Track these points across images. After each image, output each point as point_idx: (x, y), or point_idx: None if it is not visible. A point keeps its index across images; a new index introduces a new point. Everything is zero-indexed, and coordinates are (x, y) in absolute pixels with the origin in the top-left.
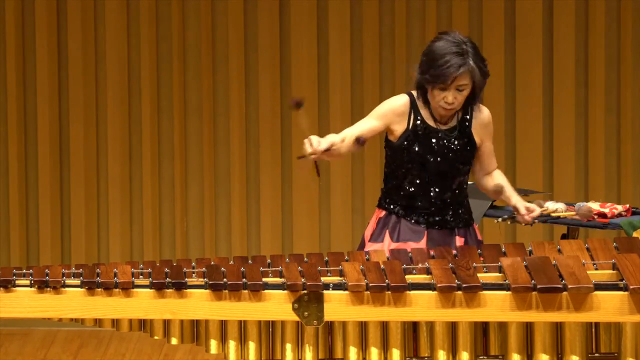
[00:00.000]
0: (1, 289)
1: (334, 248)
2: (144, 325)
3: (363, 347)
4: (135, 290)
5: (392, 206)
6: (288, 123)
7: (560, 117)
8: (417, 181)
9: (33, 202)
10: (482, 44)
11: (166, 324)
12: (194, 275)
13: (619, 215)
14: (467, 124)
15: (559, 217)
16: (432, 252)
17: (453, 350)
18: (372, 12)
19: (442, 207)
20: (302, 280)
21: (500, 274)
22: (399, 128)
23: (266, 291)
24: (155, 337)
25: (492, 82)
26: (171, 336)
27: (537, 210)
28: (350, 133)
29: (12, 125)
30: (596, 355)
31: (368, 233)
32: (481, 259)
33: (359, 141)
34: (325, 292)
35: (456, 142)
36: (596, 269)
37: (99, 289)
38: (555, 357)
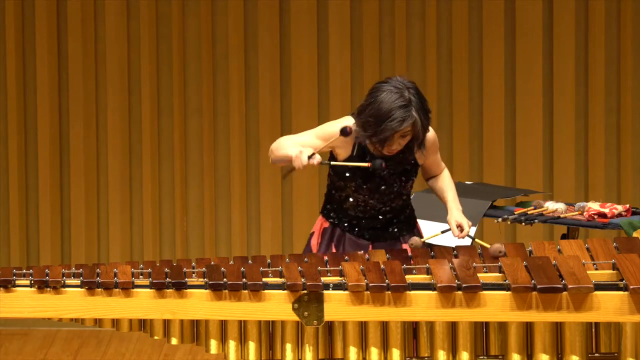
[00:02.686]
0: (1, 289)
1: None
2: (144, 325)
3: (363, 347)
4: (135, 290)
5: (336, 221)
6: (288, 123)
7: (560, 117)
8: (361, 201)
9: (33, 202)
10: (482, 44)
11: (166, 324)
12: (194, 275)
13: (619, 215)
14: (411, 150)
15: (559, 217)
16: (432, 252)
17: (453, 350)
18: (372, 12)
19: (386, 222)
20: (302, 280)
21: (500, 274)
22: (343, 152)
23: (266, 291)
24: (155, 337)
25: (492, 81)
26: (171, 336)
27: (466, 229)
28: (297, 141)
29: (12, 125)
30: (596, 355)
31: (314, 242)
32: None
33: (345, 132)
34: (325, 292)
35: (398, 167)
36: (596, 269)
37: (99, 289)
38: (555, 357)
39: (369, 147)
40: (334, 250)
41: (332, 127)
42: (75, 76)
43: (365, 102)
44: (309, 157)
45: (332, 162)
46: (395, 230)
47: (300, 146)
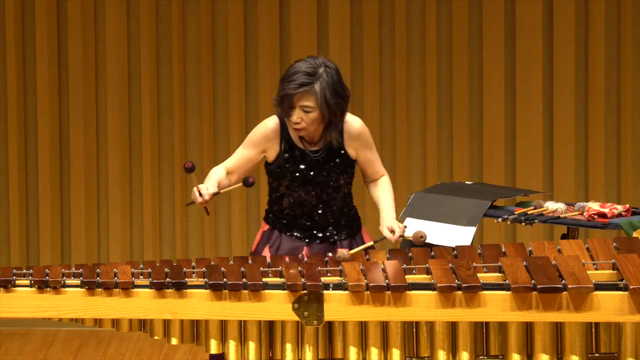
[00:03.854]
0: (1, 289)
1: None
2: (144, 325)
3: (363, 347)
4: (135, 290)
5: (275, 222)
6: None
7: (560, 117)
8: (296, 200)
9: (33, 202)
10: (482, 44)
11: (166, 324)
12: (194, 275)
13: (619, 215)
14: (337, 140)
15: (559, 217)
16: (432, 252)
17: (453, 350)
18: (372, 12)
19: (323, 223)
20: (302, 280)
21: (500, 274)
22: (273, 152)
23: (266, 291)
24: (155, 337)
25: (492, 81)
26: (171, 336)
27: (398, 232)
28: (232, 167)
29: (12, 125)
30: (596, 355)
31: (253, 246)
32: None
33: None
34: (325, 292)
35: (327, 161)
36: (596, 269)
37: (99, 289)
38: (555, 357)
39: (293, 140)
40: (267, 251)
41: (256, 133)
42: (75, 76)
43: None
44: (201, 195)
45: (221, 192)
46: (335, 233)
47: (208, 182)
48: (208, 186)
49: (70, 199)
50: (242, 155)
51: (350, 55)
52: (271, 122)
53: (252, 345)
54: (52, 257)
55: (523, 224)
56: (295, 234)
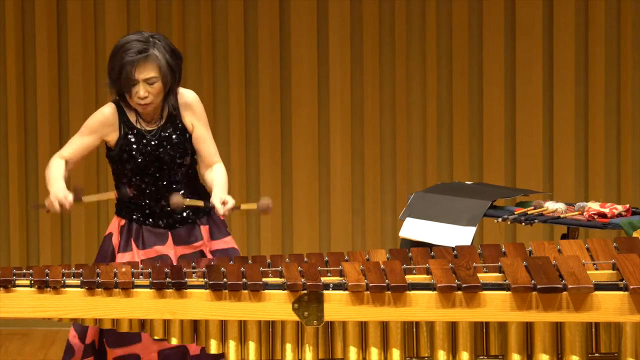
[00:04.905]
0: (1, 289)
1: (334, 248)
2: (144, 325)
3: (363, 347)
4: (135, 290)
5: (130, 215)
6: (288, 123)
7: (560, 117)
8: (143, 186)
9: (33, 202)
10: (482, 44)
11: (166, 324)
12: (194, 275)
13: (619, 215)
14: (175, 114)
15: (559, 217)
16: (432, 252)
17: (453, 350)
18: (372, 12)
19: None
20: (302, 280)
21: (500, 274)
22: (113, 137)
23: (266, 291)
24: (155, 337)
25: (492, 81)
26: (171, 336)
27: (230, 202)
28: (70, 156)
29: (12, 125)
30: (596, 355)
31: (115, 242)
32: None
33: (76, 197)
34: (325, 292)
35: (168, 137)
36: (596, 269)
37: (99, 289)
38: (555, 357)
39: (132, 121)
40: (133, 245)
41: (93, 120)
42: (75, 76)
43: (110, 55)
44: (61, 205)
45: (83, 199)
46: (191, 214)
47: (58, 188)
48: (66, 194)
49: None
50: (81, 143)
51: (350, 55)
52: (108, 109)
53: (252, 345)
54: (52, 257)
55: (523, 224)
56: (155, 222)
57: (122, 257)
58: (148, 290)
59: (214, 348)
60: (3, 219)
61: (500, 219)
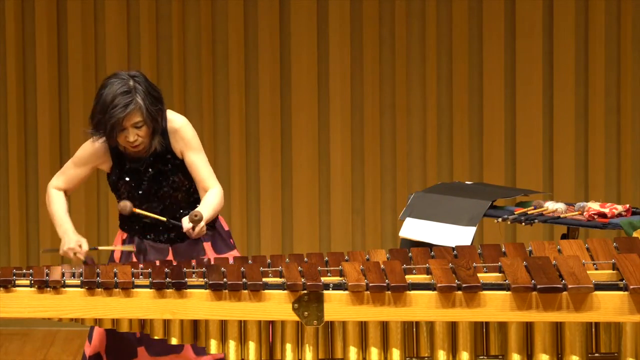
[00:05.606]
0: (1, 289)
1: (334, 248)
2: (144, 325)
3: (363, 347)
4: (135, 290)
5: (131, 229)
6: (288, 123)
7: (560, 117)
8: (143, 207)
9: (33, 202)
10: (482, 44)
11: (166, 324)
12: (194, 275)
13: (619, 215)
14: (162, 144)
15: (559, 217)
16: (432, 252)
17: (453, 350)
18: (372, 12)
19: (176, 224)
20: (302, 280)
21: (500, 274)
22: (107, 166)
23: (266, 291)
24: (155, 337)
25: (493, 82)
26: (171, 336)
27: (189, 225)
28: (68, 186)
29: (12, 125)
30: (596, 355)
31: (116, 256)
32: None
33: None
34: (325, 292)
35: (158, 168)
36: (596, 269)
37: (99, 289)
38: (555, 357)
39: (123, 154)
40: (134, 259)
41: (85, 152)
42: (75, 76)
43: (94, 103)
44: (75, 254)
45: (99, 248)
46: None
47: (71, 237)
48: (80, 242)
49: (71, 199)
50: (76, 174)
51: (350, 55)
52: (97, 140)
53: (252, 345)
54: (52, 257)
55: (523, 224)
56: (157, 238)
57: None
58: (148, 290)
59: (214, 348)
60: (3, 219)
61: (500, 219)
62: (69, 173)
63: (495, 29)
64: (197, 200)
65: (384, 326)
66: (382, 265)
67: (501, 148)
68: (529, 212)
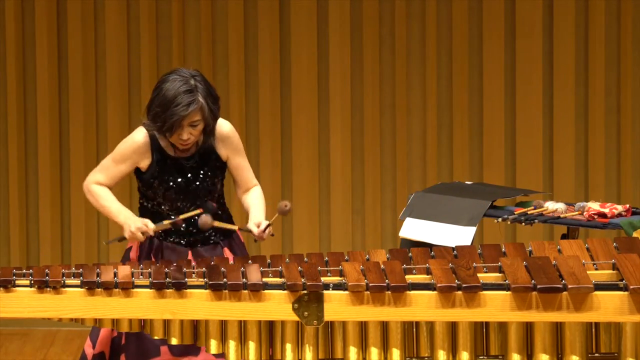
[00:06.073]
0: (1, 289)
1: (334, 248)
2: (144, 325)
3: (363, 347)
4: (135, 290)
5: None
6: (288, 123)
7: (560, 117)
8: (173, 208)
9: (33, 202)
10: (482, 44)
11: (166, 324)
12: (194, 275)
13: (619, 215)
14: (210, 144)
15: (559, 217)
16: (432, 252)
17: (453, 350)
18: (372, 12)
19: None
20: (302, 280)
21: (500, 274)
22: (145, 163)
23: (266, 291)
24: (155, 337)
25: (492, 81)
26: (171, 336)
27: (264, 224)
28: (110, 182)
29: (12, 125)
30: (596, 355)
31: (133, 255)
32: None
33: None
34: (325, 292)
35: (202, 166)
36: (596, 269)
37: (99, 289)
38: (555, 357)
39: (165, 149)
40: (152, 260)
41: (126, 148)
42: (75, 76)
43: (153, 95)
44: (143, 233)
45: (167, 222)
46: (213, 234)
47: (135, 219)
48: (145, 221)
49: (70, 199)
50: (119, 171)
51: (350, 55)
52: (140, 136)
53: (252, 345)
54: (52, 257)
55: (523, 224)
56: (176, 240)
57: None
58: (148, 290)
59: (214, 348)
60: (3, 219)
61: (500, 219)
62: (110, 170)
63: (495, 29)
64: (222, 207)
65: (384, 326)
66: (382, 265)
67: (501, 148)
68: (529, 212)
